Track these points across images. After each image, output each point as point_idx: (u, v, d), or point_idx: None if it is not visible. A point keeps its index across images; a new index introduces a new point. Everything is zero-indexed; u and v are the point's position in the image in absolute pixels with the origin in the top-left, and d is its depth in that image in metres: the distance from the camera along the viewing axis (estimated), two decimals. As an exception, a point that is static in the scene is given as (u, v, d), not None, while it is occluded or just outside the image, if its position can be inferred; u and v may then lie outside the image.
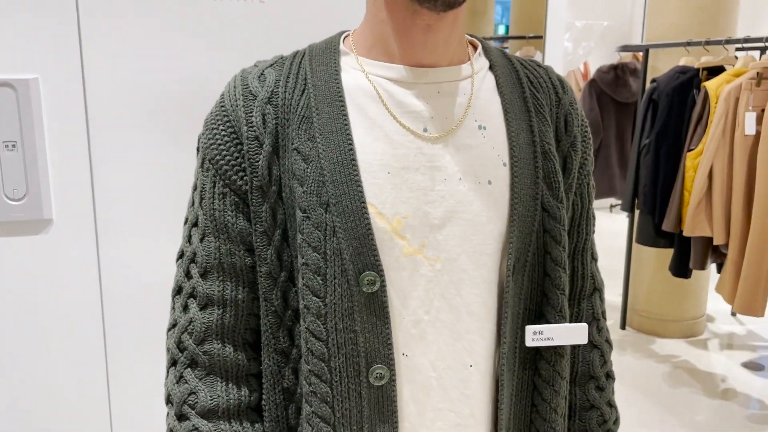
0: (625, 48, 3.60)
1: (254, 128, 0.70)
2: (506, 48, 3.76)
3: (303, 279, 0.68)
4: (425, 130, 0.71)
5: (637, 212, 3.22)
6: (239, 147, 0.70)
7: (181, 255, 0.75)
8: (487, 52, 0.78)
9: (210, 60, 1.25)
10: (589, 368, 0.82)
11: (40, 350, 1.28)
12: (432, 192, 0.70)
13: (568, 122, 0.78)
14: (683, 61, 3.09)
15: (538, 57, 2.82)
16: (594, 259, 0.83)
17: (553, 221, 0.73)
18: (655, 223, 3.04)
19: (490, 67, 0.77)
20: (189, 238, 0.74)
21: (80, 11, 1.21)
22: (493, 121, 0.74)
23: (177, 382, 0.72)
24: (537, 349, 0.76)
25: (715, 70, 2.96)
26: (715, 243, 2.77)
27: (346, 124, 0.69)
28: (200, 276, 0.72)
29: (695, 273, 3.19)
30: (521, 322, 0.74)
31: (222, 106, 0.72)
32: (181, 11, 1.26)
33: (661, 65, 3.37)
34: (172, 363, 0.74)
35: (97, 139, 1.28)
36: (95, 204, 1.30)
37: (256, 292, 0.73)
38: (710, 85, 2.81)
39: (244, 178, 0.70)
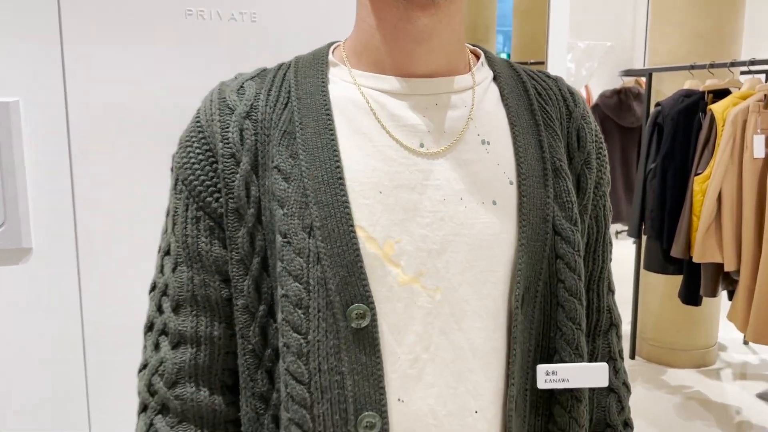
0: (628, 72, 3.56)
1: (230, 145, 0.63)
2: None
3: (283, 313, 0.60)
4: (422, 145, 0.64)
5: (644, 238, 3.15)
6: (214, 166, 0.63)
7: (153, 287, 0.67)
8: (490, 61, 0.72)
9: (199, 82, 1.19)
10: (605, 415, 0.73)
11: (20, 380, 1.21)
12: (430, 213, 0.63)
13: (581, 137, 0.71)
14: (688, 85, 3.05)
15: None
16: (611, 290, 0.75)
17: (566, 245, 0.66)
18: (664, 248, 2.97)
19: (494, 78, 0.70)
20: (161, 268, 0.67)
21: (63, 35, 1.16)
22: (498, 136, 0.67)
23: (147, 431, 0.65)
24: (551, 393, 0.68)
25: (720, 93, 2.91)
26: (726, 269, 2.69)
27: (332, 139, 0.62)
28: (172, 310, 0.65)
29: (706, 300, 3.10)
30: (532, 360, 0.66)
31: (197, 122, 0.66)
32: (169, 34, 1.21)
33: (664, 89, 3.33)
34: (143, 408, 0.66)
35: (80, 165, 1.22)
36: (77, 232, 1.24)
37: (234, 328, 0.65)
38: (716, 108, 2.76)
39: (219, 200, 0.63)
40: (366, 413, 0.60)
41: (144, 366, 0.66)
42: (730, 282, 2.81)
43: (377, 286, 0.61)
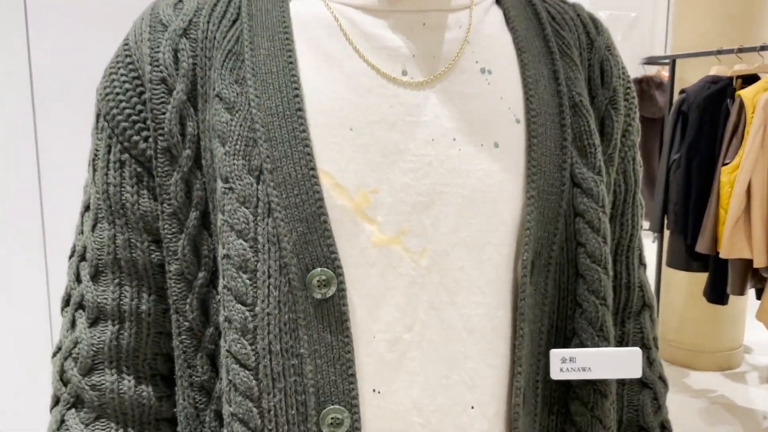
0: (649, 60, 3.40)
1: (161, 68, 0.50)
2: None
3: (224, 278, 0.48)
4: (404, 73, 0.51)
5: (667, 233, 3.00)
6: (143, 97, 0.51)
7: (72, 252, 0.55)
8: None
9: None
10: (638, 415, 0.59)
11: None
12: (414, 157, 0.49)
13: (605, 71, 0.57)
14: (714, 71, 2.90)
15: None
16: (642, 264, 0.61)
17: (588, 200, 0.52)
18: (688, 244, 2.82)
19: (497, 2, 0.57)
20: (81, 228, 0.54)
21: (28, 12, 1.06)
22: (502, 64, 0.54)
23: (57, 430, 0.52)
24: (568, 385, 0.54)
25: (749, 79, 2.76)
26: (755, 266, 2.53)
27: (290, 62, 0.49)
28: (90, 278, 0.52)
29: (732, 299, 2.95)
30: (544, 344, 0.53)
31: (125, 45, 0.53)
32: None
33: (689, 76, 3.18)
34: (55, 402, 0.53)
35: (45, 139, 1.14)
36: (45, 244, 1.14)
37: (167, 299, 0.52)
38: (746, 93, 2.60)
39: (148, 138, 0.50)
40: (331, 407, 0.47)
41: (58, 350, 0.54)
42: (759, 279, 2.66)
43: (346, 247, 0.48)
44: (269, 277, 0.47)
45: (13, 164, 1.05)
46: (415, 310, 0.50)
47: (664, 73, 3.63)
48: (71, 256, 0.55)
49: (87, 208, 0.54)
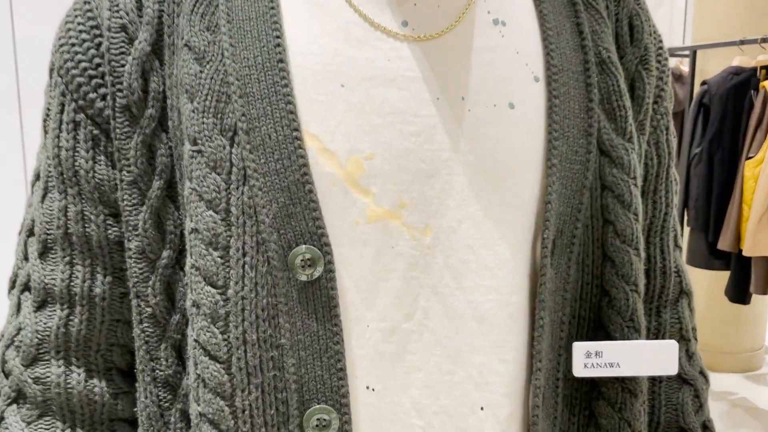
0: (669, 52, 3.30)
1: (121, 13, 0.44)
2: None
3: (192, 256, 0.41)
4: (405, 24, 0.44)
5: (687, 230, 2.91)
6: (100, 47, 0.44)
7: (22, 227, 0.48)
8: None
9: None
10: (678, 415, 0.52)
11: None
12: (417, 119, 0.43)
13: (635, 27, 0.50)
14: (737, 61, 2.81)
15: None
16: (678, 246, 0.54)
17: (618, 171, 0.45)
18: (709, 241, 2.74)
19: None
20: (31, 200, 0.48)
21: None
22: (517, 15, 0.47)
23: None
24: (592, 383, 0.47)
25: (774, 70, 2.66)
26: (780, 263, 2.43)
27: (272, 7, 0.43)
28: (38, 255, 0.45)
29: (754, 298, 2.87)
30: (566, 336, 0.46)
31: None
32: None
33: (710, 67, 3.09)
34: None
35: (31, 124, 1.09)
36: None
37: (125, 281, 0.46)
38: (771, 84, 2.50)
39: (106, 96, 0.44)
40: (316, 406, 0.41)
41: (0, 337, 0.47)
42: (784, 278, 2.55)
43: (336, 222, 0.42)
44: (244, 255, 0.41)
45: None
46: (416, 296, 0.43)
47: (683, 67, 3.53)
48: (20, 232, 0.49)
49: (38, 176, 0.48)
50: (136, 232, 0.44)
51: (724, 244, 2.63)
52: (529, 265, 0.45)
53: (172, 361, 0.45)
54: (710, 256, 2.77)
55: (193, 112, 0.42)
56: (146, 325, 0.45)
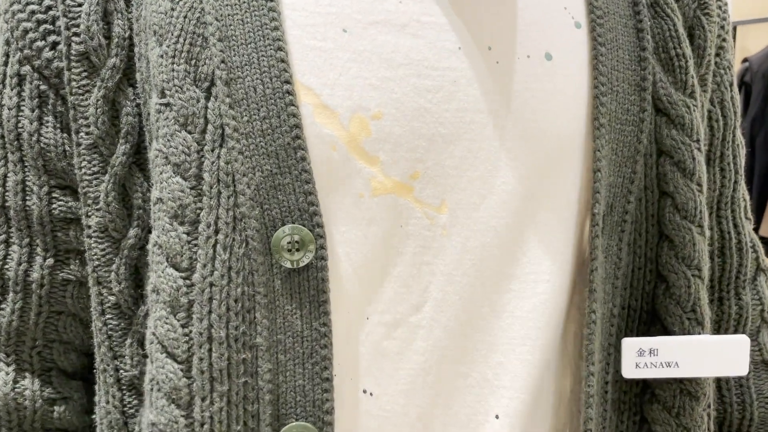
0: (706, 29, 3.18)
1: None
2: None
3: (155, 230, 0.35)
4: None
5: (726, 215, 2.79)
6: None
7: None
8: None
9: None
10: None
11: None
12: (433, 71, 0.36)
13: None
14: (781, 37, 2.66)
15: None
16: (748, 219, 0.47)
17: (678, 132, 0.39)
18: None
19: None
20: None
21: None
22: None
23: None
24: (645, 384, 0.40)
25: (821, 45, 2.52)
26: (827, 249, 2.31)
27: None
28: None
29: (799, 287, 2.73)
30: (615, 331, 0.39)
31: None
32: None
33: (751, 44, 2.96)
34: None
35: None
36: None
37: (71, 265, 0.40)
38: (818, 60, 2.37)
39: (58, 45, 0.37)
40: (294, 423, 0.34)
41: None
42: (830, 265, 2.43)
43: (334, 196, 0.35)
44: (216, 232, 0.34)
45: None
46: (427, 285, 0.36)
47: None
48: None
49: None
50: (97, 206, 0.38)
51: (766, 230, 2.51)
52: (571, 249, 0.38)
53: (138, 359, 0.39)
54: (751, 242, 2.67)
55: (162, 57, 0.35)
56: (109, 317, 0.39)
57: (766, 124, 2.60)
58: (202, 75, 0.35)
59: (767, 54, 2.64)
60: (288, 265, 0.34)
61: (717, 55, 0.45)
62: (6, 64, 0.39)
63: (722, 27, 0.45)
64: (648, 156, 0.39)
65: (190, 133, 0.35)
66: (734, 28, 3.00)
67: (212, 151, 0.34)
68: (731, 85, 0.46)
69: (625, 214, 0.39)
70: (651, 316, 0.40)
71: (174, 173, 0.35)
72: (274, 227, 0.34)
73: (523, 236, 0.37)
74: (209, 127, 0.35)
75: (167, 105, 0.35)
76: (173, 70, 0.35)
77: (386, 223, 0.36)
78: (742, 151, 0.47)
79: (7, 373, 0.41)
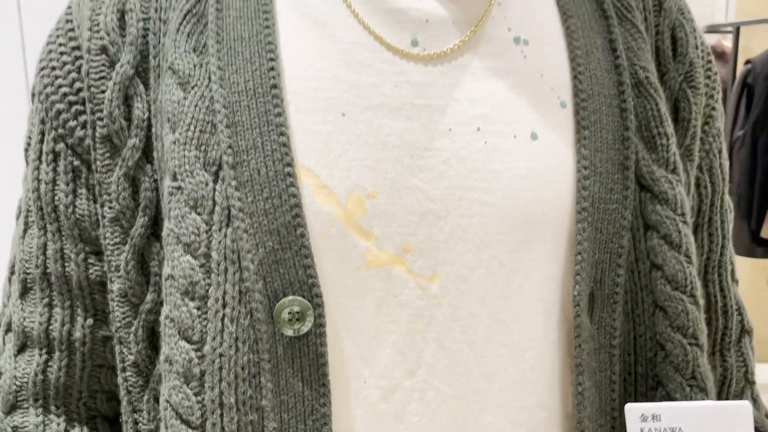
0: (711, 29, 3.16)
1: (101, 33, 0.40)
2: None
3: (167, 305, 0.38)
4: (415, 43, 0.39)
5: (728, 216, 2.80)
6: (81, 70, 0.41)
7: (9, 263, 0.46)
8: None
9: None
10: None
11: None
12: (426, 152, 0.38)
13: (679, 39, 0.45)
14: (784, 39, 2.65)
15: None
16: (735, 280, 0.49)
17: (663, 207, 0.40)
18: (752, 229, 2.63)
19: None
20: (15, 233, 0.45)
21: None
22: (542, 31, 0.42)
23: None
24: None
25: (825, 47, 2.51)
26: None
27: (267, 26, 0.38)
28: (18, 296, 0.43)
29: (800, 288, 2.74)
30: (619, 397, 0.41)
31: (68, 7, 0.43)
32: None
33: (755, 45, 2.95)
34: None
35: None
36: None
37: (108, 324, 0.43)
38: (821, 63, 2.36)
39: (87, 124, 0.40)
40: None
41: None
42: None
43: (332, 269, 0.37)
44: (224, 306, 0.37)
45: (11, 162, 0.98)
46: (420, 351, 0.39)
47: (726, 42, 3.38)
48: (8, 265, 0.46)
49: (20, 209, 0.45)
50: (119, 274, 0.41)
51: (767, 232, 2.52)
52: (556, 319, 0.40)
53: (154, 414, 0.42)
54: (752, 243, 2.67)
55: (174, 143, 0.37)
56: (129, 373, 0.42)
57: (769, 127, 2.60)
58: (211, 160, 0.37)
59: (770, 56, 2.63)
60: (289, 333, 0.37)
61: (706, 123, 0.46)
62: (42, 141, 0.42)
63: (711, 96, 0.46)
64: (636, 230, 0.41)
65: (199, 214, 0.37)
66: (737, 29, 3.00)
67: (219, 230, 0.37)
68: (720, 152, 0.48)
69: (616, 286, 0.40)
70: (656, 382, 0.42)
71: (184, 252, 0.37)
72: (276, 299, 0.37)
73: (510, 306, 0.39)
74: (217, 208, 0.37)
75: (179, 188, 0.37)
76: (184, 156, 0.37)
77: (381, 293, 0.38)
78: (730, 216, 0.49)
79: (59, 424, 0.44)
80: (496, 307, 0.40)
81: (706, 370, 0.41)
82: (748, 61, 2.72)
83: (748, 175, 2.63)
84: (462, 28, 0.40)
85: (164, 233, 0.39)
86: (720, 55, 3.40)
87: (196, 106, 0.38)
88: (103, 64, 0.40)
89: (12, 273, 0.45)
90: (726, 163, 0.49)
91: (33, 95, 0.43)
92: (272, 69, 0.38)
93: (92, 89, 0.40)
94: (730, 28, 3.14)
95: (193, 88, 0.38)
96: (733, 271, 0.49)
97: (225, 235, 0.37)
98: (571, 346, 0.40)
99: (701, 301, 0.42)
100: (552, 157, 0.40)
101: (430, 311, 0.39)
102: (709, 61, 0.47)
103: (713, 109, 0.47)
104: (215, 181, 0.37)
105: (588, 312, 0.40)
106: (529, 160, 0.40)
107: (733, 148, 2.70)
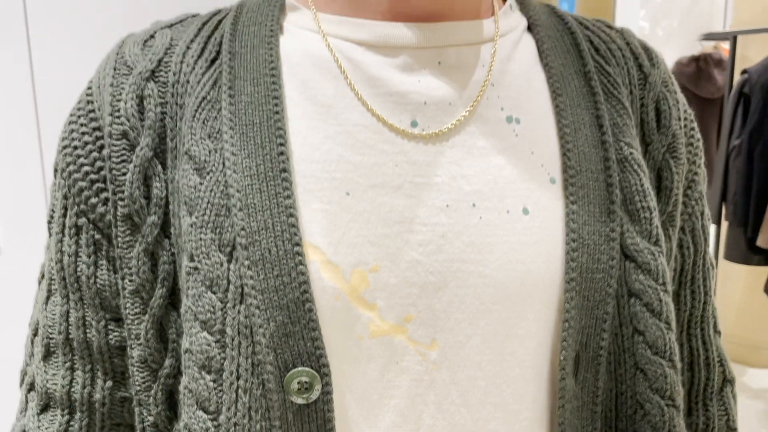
0: (708, 36, 3.18)
1: (122, 119, 0.43)
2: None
3: (186, 377, 0.40)
4: (414, 124, 0.42)
5: (725, 224, 2.82)
6: (102, 150, 0.43)
7: (30, 322, 0.49)
8: (523, 5, 0.49)
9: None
10: None
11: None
12: (425, 228, 0.41)
13: (662, 112, 0.47)
14: (781, 48, 2.67)
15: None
16: (717, 332, 0.52)
17: (645, 277, 0.43)
18: (748, 237, 2.64)
19: (529, 28, 0.47)
20: (37, 298, 0.48)
21: (28, 8, 0.99)
22: (533, 110, 0.44)
23: None
24: None
25: (820, 58, 2.53)
26: (823, 262, 2.34)
27: (276, 112, 0.41)
28: (42, 358, 0.46)
29: (796, 295, 2.75)
30: None
31: (88, 88, 0.46)
32: (149, 4, 1.02)
33: (752, 54, 2.96)
34: None
35: (52, 159, 1.09)
36: None
37: (126, 385, 0.46)
38: (816, 74, 2.38)
39: (108, 202, 0.43)
40: None
41: None
42: (827, 276, 2.46)
43: (338, 339, 0.40)
44: (238, 378, 0.39)
45: (17, 168, 1.01)
46: (420, 414, 0.42)
47: (724, 45, 3.40)
48: (29, 325, 0.49)
49: (43, 275, 0.48)
50: (139, 342, 0.44)
51: (763, 240, 2.54)
52: (546, 383, 0.43)
53: None
54: (749, 251, 2.69)
55: (191, 226, 0.40)
56: None
57: (765, 136, 2.60)
58: (225, 241, 0.40)
59: (766, 65, 2.64)
60: (299, 401, 0.40)
61: (688, 187, 0.49)
62: (65, 215, 0.45)
63: (693, 162, 0.49)
64: (620, 297, 0.44)
65: (214, 293, 0.40)
66: (734, 38, 3.01)
67: (233, 307, 0.39)
68: (702, 214, 0.50)
69: (600, 349, 0.43)
70: None
71: (201, 329, 0.40)
72: (286, 369, 0.39)
73: (504, 370, 0.42)
74: (231, 286, 0.40)
75: (196, 269, 0.40)
76: (201, 239, 0.40)
77: (383, 360, 0.41)
78: (713, 272, 0.52)
79: None
80: (491, 372, 0.42)
81: (681, 429, 0.44)
82: (744, 71, 2.72)
83: (745, 184, 2.64)
84: (458, 108, 0.43)
85: (183, 309, 0.42)
86: (717, 62, 3.42)
87: (211, 191, 0.41)
88: (124, 148, 0.43)
89: (35, 335, 0.48)
90: (708, 224, 0.51)
91: (55, 171, 0.46)
92: (282, 154, 0.41)
93: (114, 171, 0.43)
94: (727, 37, 3.16)
95: (208, 173, 0.41)
96: (715, 324, 0.52)
97: (239, 312, 0.39)
98: (555, 408, 0.43)
99: (678, 365, 0.45)
100: (543, 231, 0.43)
101: (429, 376, 0.42)
102: (692, 128, 0.50)
103: (695, 174, 0.50)
104: (229, 261, 0.40)
105: (573, 373, 0.43)
106: (521, 234, 0.42)
107: (729, 157, 2.71)
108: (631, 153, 0.45)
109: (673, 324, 0.44)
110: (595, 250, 0.43)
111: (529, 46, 0.47)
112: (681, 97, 0.50)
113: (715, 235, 3.26)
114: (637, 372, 0.44)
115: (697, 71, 3.40)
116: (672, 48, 3.58)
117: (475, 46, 0.44)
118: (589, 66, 0.47)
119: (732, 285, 3.31)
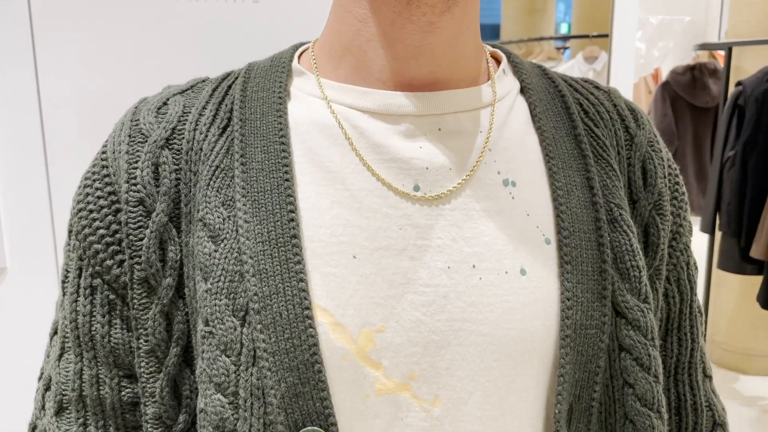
0: (703, 46, 3.21)
1: (138, 186, 0.45)
2: (567, 49, 3.41)
3: None
4: (417, 189, 0.44)
5: (718, 234, 2.84)
6: (118, 216, 0.45)
7: (41, 375, 0.50)
8: (516, 68, 0.51)
9: (192, 72, 1.03)
10: None
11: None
12: (427, 289, 0.43)
13: (648, 171, 0.50)
14: (775, 61, 2.70)
15: (603, 58, 2.50)
16: (707, 377, 0.54)
17: (635, 333, 0.45)
18: (741, 247, 2.67)
19: (522, 91, 0.50)
20: (48, 352, 0.50)
21: (33, 9, 1.01)
22: (527, 173, 0.47)
23: None
24: None
25: (814, 70, 2.56)
26: (815, 273, 2.37)
27: (287, 179, 0.43)
28: (54, 413, 0.47)
29: (788, 303, 2.78)
30: None
31: (102, 153, 0.47)
32: (157, 14, 1.04)
33: (747, 65, 2.99)
34: None
35: (58, 177, 1.10)
36: (56, 250, 1.11)
37: None
38: (810, 87, 2.41)
39: (123, 264, 0.45)
40: None
41: None
42: (819, 286, 2.49)
43: (345, 397, 0.42)
44: None
45: (24, 188, 1.02)
46: None
47: (720, 52, 3.42)
48: (40, 378, 0.51)
49: (56, 331, 0.50)
50: (153, 399, 0.46)
51: (757, 252, 2.56)
52: None
53: None
54: (742, 261, 2.71)
55: (207, 292, 0.42)
56: None
57: (758, 147, 2.62)
58: (239, 306, 0.42)
59: (760, 78, 2.66)
60: None
61: (674, 239, 0.51)
62: (80, 276, 0.47)
63: (678, 215, 0.52)
64: (612, 351, 0.46)
65: (228, 356, 0.42)
66: (729, 50, 3.04)
67: (246, 369, 0.41)
68: (687, 264, 0.53)
69: (592, 401, 0.46)
70: None
71: (215, 391, 0.42)
72: (296, 428, 0.41)
73: (504, 424, 0.45)
74: (244, 349, 0.42)
75: (210, 333, 0.42)
76: (216, 305, 0.42)
77: (389, 416, 0.43)
78: (700, 318, 0.54)
79: None
80: (492, 426, 0.44)
81: None
82: (739, 83, 2.74)
83: (738, 194, 2.66)
84: (458, 173, 0.45)
85: (198, 371, 0.44)
86: (712, 72, 3.45)
87: (225, 258, 0.43)
88: (140, 214, 0.45)
89: (47, 389, 0.49)
90: (693, 272, 0.54)
91: (70, 232, 0.48)
92: (292, 220, 0.43)
93: (131, 237, 0.45)
94: (722, 48, 3.19)
95: (222, 240, 0.43)
96: (704, 368, 0.54)
97: (251, 374, 0.41)
98: None
99: (665, 416, 0.47)
100: (539, 290, 0.45)
101: (433, 430, 0.43)
102: (677, 182, 0.53)
103: (680, 226, 0.52)
104: (242, 325, 0.42)
105: (567, 424, 0.45)
106: (519, 294, 0.44)
107: (723, 168, 2.74)
108: (620, 214, 0.47)
109: (661, 377, 0.47)
110: (588, 307, 0.45)
111: (522, 109, 0.50)
112: (666, 153, 0.53)
113: (709, 244, 3.30)
114: (627, 422, 0.46)
115: (692, 80, 3.43)
116: (668, 68, 3.61)
117: (473, 112, 0.47)
118: (579, 129, 0.49)
119: (725, 293, 3.34)
